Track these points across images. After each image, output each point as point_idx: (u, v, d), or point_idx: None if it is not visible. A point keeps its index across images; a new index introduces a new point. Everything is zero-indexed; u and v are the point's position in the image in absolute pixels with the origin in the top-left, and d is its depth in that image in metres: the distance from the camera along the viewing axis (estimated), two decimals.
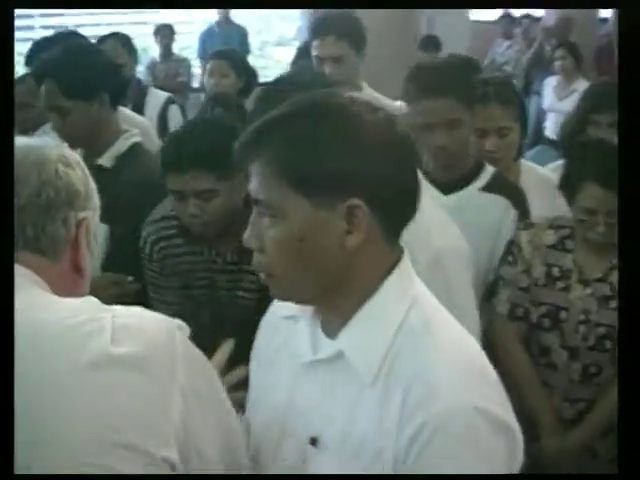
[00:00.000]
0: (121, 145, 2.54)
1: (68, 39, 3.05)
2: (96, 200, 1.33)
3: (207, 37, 7.96)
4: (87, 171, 1.32)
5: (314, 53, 3.06)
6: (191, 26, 9.10)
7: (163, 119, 3.99)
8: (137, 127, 2.78)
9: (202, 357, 1.25)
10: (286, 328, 1.40)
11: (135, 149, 2.56)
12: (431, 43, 7.11)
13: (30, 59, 3.31)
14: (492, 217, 2.39)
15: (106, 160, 2.50)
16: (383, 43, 5.74)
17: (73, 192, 1.26)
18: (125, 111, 3.14)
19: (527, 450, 1.23)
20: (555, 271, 2.30)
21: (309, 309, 1.33)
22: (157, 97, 4.15)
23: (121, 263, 2.46)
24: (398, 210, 1.25)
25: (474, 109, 2.29)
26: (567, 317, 2.27)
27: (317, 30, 3.07)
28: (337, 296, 1.25)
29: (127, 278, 2.47)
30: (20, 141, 1.27)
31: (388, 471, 1.19)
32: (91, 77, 2.50)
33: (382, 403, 1.20)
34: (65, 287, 1.25)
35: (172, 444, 1.12)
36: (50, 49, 2.76)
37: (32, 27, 7.70)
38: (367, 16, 3.56)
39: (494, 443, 1.17)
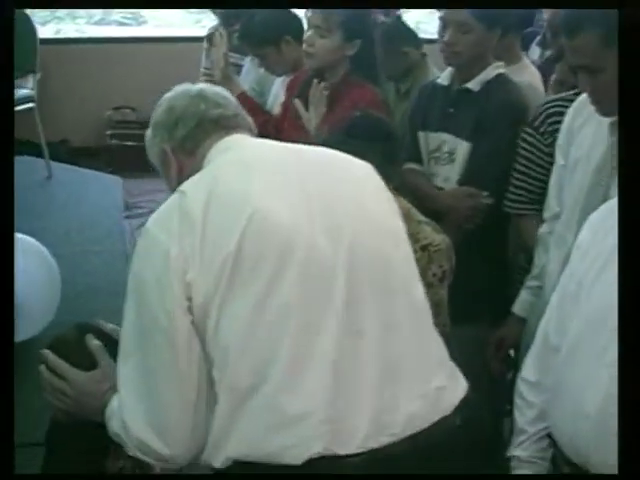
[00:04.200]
0: (489, 73, 2.76)
1: None
2: None
3: None
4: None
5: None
6: None
7: None
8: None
9: None
10: None
11: (500, 78, 2.78)
12: None
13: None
14: None
15: (474, 84, 2.74)
16: None
17: None
18: None
19: None
20: None
21: None
22: None
23: (478, 179, 2.68)
24: None
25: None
26: None
27: None
28: None
29: (482, 193, 2.65)
30: None
31: None
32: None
33: None
34: None
35: None
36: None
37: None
38: None
39: None
